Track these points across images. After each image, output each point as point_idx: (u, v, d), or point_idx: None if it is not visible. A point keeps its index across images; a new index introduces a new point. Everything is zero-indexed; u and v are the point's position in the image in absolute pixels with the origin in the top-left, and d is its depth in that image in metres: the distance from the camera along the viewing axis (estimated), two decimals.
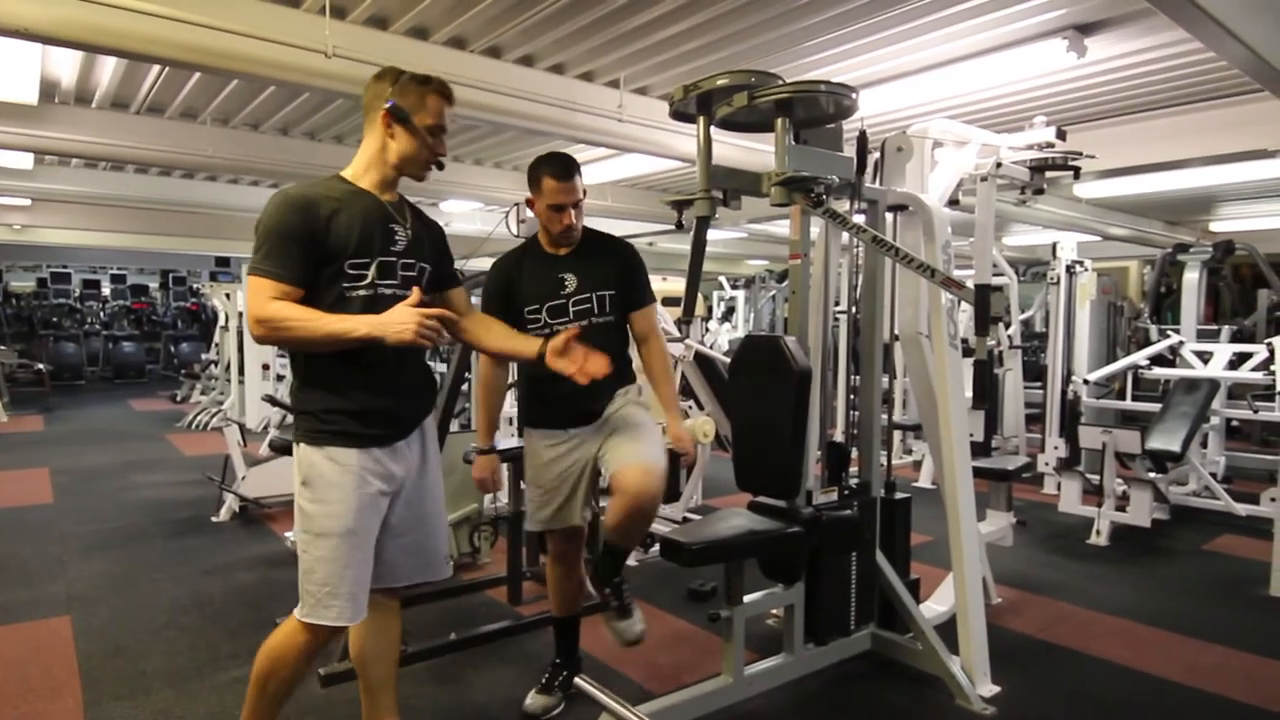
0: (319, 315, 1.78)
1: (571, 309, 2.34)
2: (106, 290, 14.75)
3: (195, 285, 14.81)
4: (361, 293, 1.87)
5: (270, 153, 5.16)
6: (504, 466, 3.94)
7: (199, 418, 8.74)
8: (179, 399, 10.76)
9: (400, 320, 1.77)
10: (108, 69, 4.06)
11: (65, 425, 8.78)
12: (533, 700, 2.51)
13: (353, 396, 1.84)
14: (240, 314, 8.89)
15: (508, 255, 2.46)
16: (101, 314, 14.26)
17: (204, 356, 11.16)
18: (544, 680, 2.54)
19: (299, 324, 1.76)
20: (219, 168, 5.63)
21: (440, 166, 1.99)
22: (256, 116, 4.93)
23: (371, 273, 1.87)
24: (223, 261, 14.37)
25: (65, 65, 4.00)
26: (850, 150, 2.60)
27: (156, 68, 4.01)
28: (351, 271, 1.85)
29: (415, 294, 1.83)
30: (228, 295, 9.50)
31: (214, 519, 4.76)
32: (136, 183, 6.50)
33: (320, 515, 1.83)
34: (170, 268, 15.26)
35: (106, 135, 4.58)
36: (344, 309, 1.84)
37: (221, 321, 9.86)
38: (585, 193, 2.38)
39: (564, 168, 2.33)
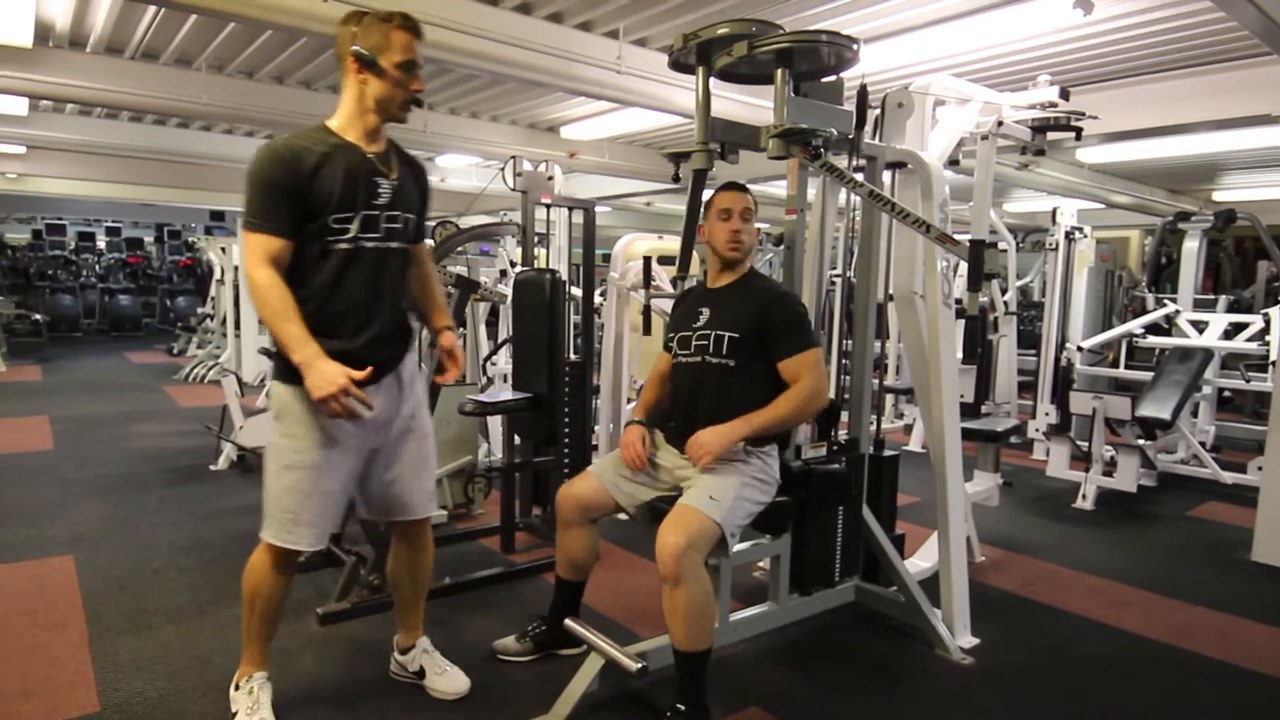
0: (285, 315, 1.81)
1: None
2: (102, 244, 14.67)
3: (190, 239, 14.72)
4: (344, 246, 1.90)
5: (265, 101, 5.10)
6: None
7: (195, 370, 8.76)
8: (175, 352, 10.77)
9: (325, 381, 1.78)
10: (102, 10, 4.00)
11: (63, 375, 8.81)
12: (501, 642, 2.56)
13: (321, 341, 1.84)
14: (236, 268, 8.86)
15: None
16: (97, 267, 14.21)
17: (200, 310, 11.14)
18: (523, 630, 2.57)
19: (268, 308, 1.82)
20: (214, 116, 5.56)
21: (419, 104, 1.98)
22: (252, 64, 4.87)
23: (354, 227, 1.90)
24: (217, 215, 14.21)
25: (59, 6, 3.94)
26: (850, 106, 2.59)
27: (151, 9, 3.95)
28: (335, 226, 1.88)
29: (366, 373, 1.85)
30: (223, 249, 9.45)
31: (212, 468, 4.81)
32: (131, 131, 6.42)
33: (288, 449, 1.93)
34: (165, 221, 15.15)
35: (101, 80, 4.52)
36: (326, 262, 1.89)
37: (217, 275, 9.82)
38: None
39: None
